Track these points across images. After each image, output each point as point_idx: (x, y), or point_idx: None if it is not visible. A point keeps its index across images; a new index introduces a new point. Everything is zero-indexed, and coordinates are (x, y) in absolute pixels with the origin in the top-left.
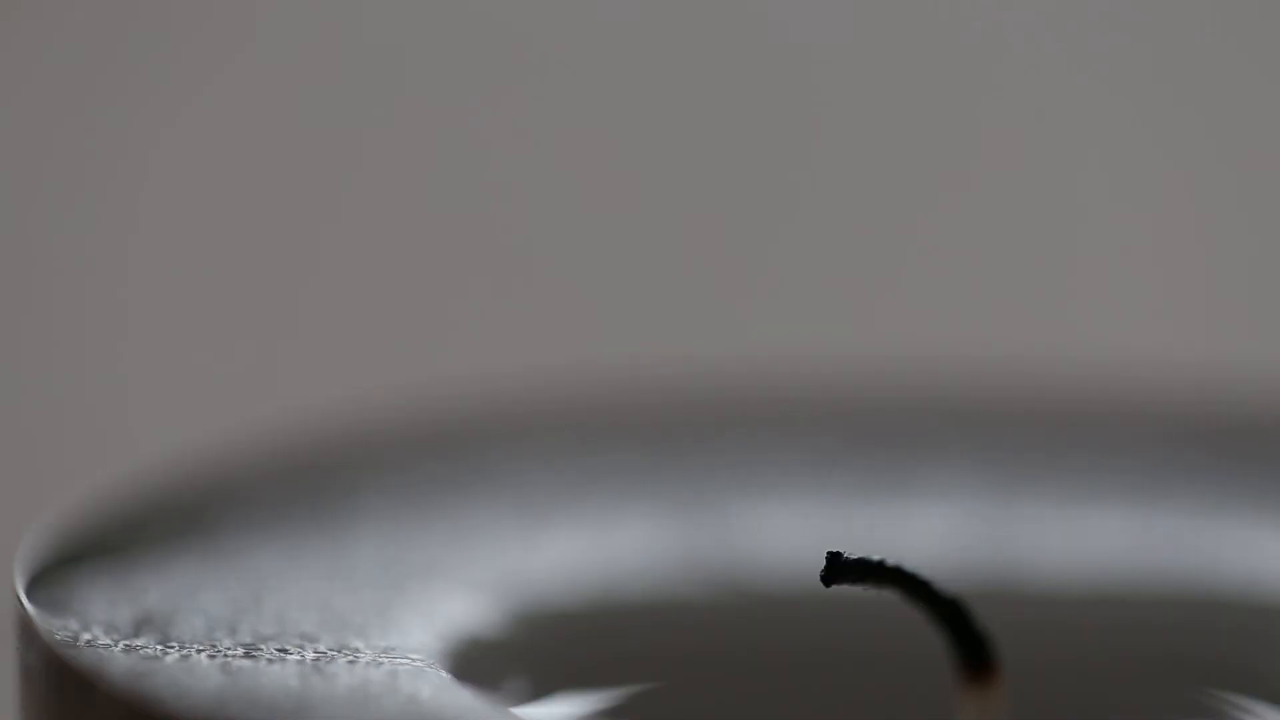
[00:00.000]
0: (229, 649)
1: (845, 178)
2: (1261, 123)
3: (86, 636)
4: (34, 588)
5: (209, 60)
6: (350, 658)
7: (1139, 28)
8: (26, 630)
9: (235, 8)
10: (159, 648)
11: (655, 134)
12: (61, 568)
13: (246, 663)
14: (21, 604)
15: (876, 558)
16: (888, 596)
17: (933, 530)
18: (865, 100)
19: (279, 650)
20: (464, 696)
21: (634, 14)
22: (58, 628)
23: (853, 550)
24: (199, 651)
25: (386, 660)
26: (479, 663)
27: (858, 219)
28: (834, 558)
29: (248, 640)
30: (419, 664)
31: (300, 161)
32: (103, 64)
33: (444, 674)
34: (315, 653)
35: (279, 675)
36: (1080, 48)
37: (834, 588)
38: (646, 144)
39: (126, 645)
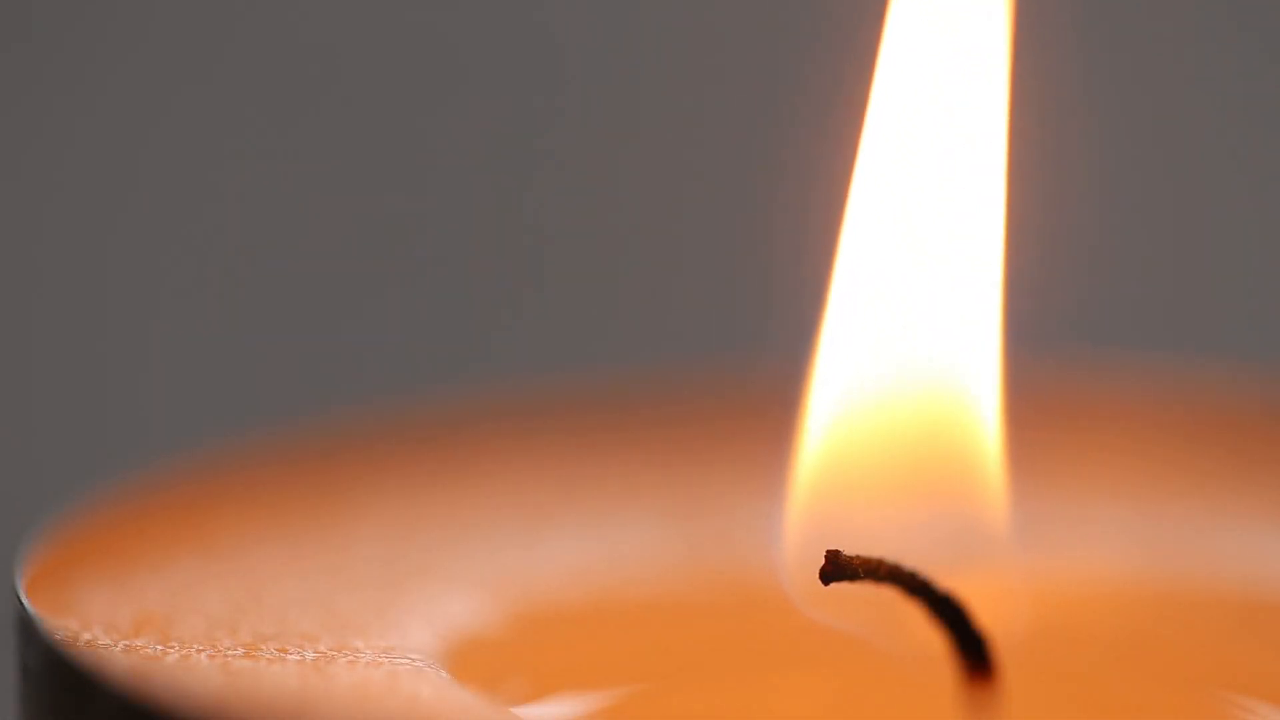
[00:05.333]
0: (229, 649)
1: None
2: (1265, 118)
3: (86, 636)
4: (34, 588)
5: (204, 60)
6: (350, 658)
7: (1143, 21)
8: (26, 630)
9: (214, 8)
10: (159, 648)
11: (674, 134)
12: (61, 568)
13: (246, 663)
14: (21, 604)
15: (876, 557)
16: (888, 595)
17: (935, 530)
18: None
19: (279, 650)
20: (464, 696)
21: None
22: (58, 628)
23: (853, 549)
24: (199, 651)
25: (386, 660)
26: (479, 663)
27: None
28: (833, 556)
29: (248, 640)
30: (419, 664)
31: (300, 160)
32: (82, 61)
33: (444, 674)
34: (315, 653)
35: (279, 675)
36: (1084, 41)
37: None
38: (659, 143)
39: (126, 645)
